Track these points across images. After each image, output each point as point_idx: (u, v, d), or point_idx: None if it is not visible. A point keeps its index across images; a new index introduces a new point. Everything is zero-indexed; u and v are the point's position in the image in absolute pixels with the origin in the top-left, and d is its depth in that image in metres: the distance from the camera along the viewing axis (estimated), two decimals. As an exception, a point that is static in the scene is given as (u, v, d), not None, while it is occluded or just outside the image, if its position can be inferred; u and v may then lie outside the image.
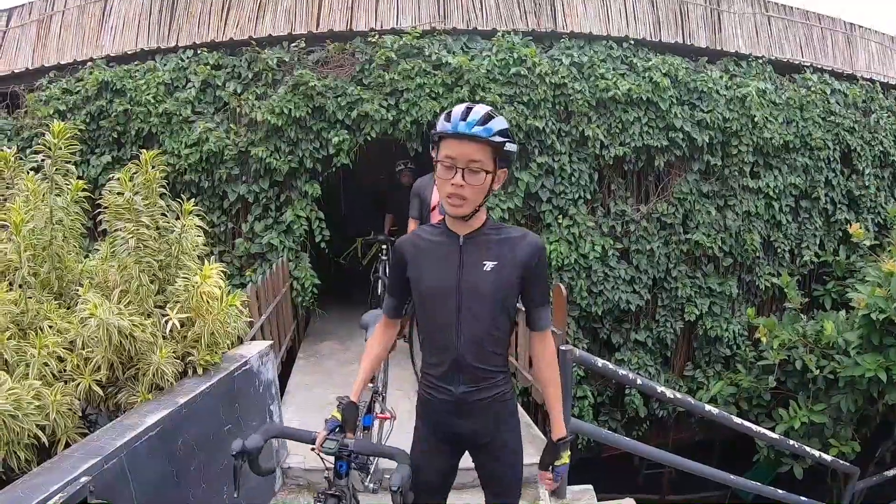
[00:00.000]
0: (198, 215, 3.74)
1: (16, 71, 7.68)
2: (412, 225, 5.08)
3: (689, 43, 8.60)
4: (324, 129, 6.66)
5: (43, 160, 3.76)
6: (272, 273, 5.76)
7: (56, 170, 3.71)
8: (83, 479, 2.23)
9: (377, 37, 6.92)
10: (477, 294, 1.96)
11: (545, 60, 7.26)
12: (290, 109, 6.50)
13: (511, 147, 1.90)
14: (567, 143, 7.26)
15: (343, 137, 6.62)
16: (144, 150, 3.64)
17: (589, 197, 7.41)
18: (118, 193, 3.56)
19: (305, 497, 3.95)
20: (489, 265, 1.95)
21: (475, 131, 1.81)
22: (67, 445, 2.79)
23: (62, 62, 7.51)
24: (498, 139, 1.84)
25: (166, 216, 3.65)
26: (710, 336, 7.90)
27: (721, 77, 7.89)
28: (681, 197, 7.71)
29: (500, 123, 1.85)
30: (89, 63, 7.12)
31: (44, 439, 2.73)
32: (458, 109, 1.86)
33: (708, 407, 4.64)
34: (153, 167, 3.68)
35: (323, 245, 6.93)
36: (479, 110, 1.85)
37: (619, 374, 4.08)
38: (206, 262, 3.66)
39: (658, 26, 8.82)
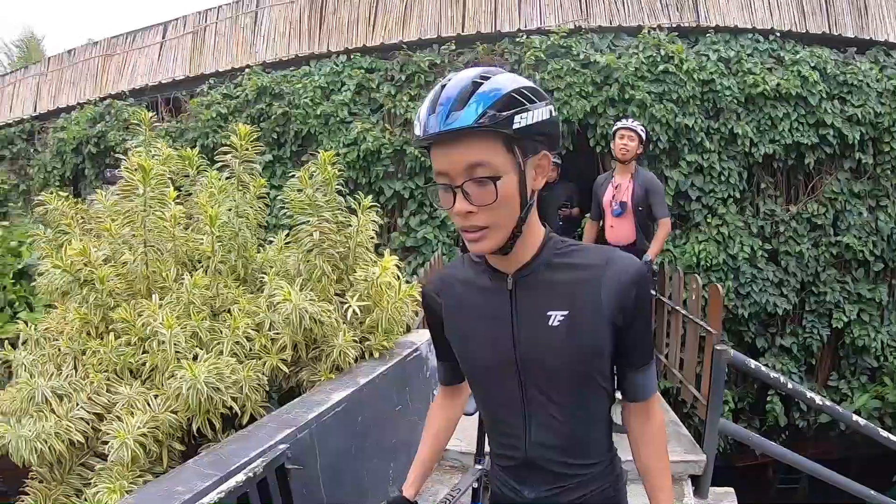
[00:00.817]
0: (378, 212, 3.99)
1: (176, 78, 8.22)
2: (588, 229, 5.07)
3: (835, 33, 8.18)
4: None
5: (229, 160, 4.05)
6: (431, 266, 5.94)
7: (242, 168, 4.01)
8: (281, 447, 2.43)
9: (525, 37, 7.00)
10: (544, 367, 1.27)
11: (692, 56, 7.12)
12: None
13: (525, 119, 1.13)
14: (716, 140, 7.08)
15: None
16: (322, 152, 3.89)
17: (738, 196, 7.20)
18: (298, 190, 3.87)
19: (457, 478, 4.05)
20: (557, 317, 1.24)
21: (453, 123, 1.11)
22: (252, 418, 3.03)
23: (219, 69, 7.99)
24: (494, 117, 1.11)
25: (343, 211, 3.90)
26: (858, 345, 7.45)
27: (871, 69, 7.47)
28: (831, 197, 7.36)
29: (494, 90, 1.13)
30: (246, 69, 7.55)
31: (236, 409, 2.98)
32: (427, 99, 1.17)
33: (855, 417, 4.40)
34: (331, 165, 3.96)
35: None
36: (454, 86, 1.14)
37: (770, 376, 3.97)
38: (384, 254, 3.85)
39: (803, 16, 8.42)
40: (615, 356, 1.29)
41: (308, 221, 3.72)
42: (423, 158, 6.79)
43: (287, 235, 4.11)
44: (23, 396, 3.09)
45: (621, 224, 4.65)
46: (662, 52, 6.98)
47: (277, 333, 3.36)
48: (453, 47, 7.15)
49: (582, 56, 6.91)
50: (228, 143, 3.98)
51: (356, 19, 8.02)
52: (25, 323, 3.83)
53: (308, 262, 3.69)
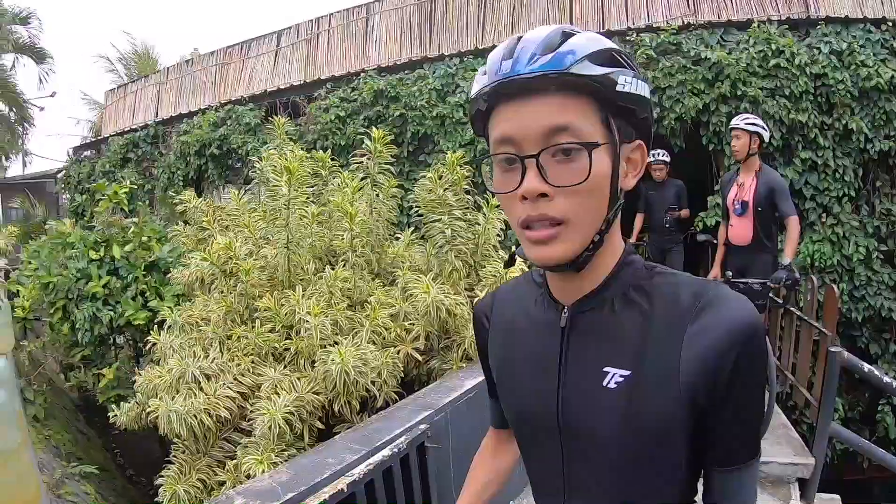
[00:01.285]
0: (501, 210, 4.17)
1: (293, 84, 8.72)
2: (720, 232, 4.93)
3: (953, 20, 7.83)
4: None
5: (365, 162, 4.36)
6: None
7: (377, 170, 4.35)
8: (422, 426, 2.63)
9: (634, 35, 7.07)
10: (593, 440, 0.92)
11: (803, 49, 7.00)
12: None
13: (630, 85, 0.86)
14: (830, 136, 6.95)
15: None
16: (450, 154, 4.22)
17: (853, 194, 7.01)
18: (429, 190, 4.18)
19: None
20: (616, 376, 0.89)
21: (538, 65, 0.82)
22: (385, 402, 3.28)
23: (334, 74, 8.43)
24: (595, 71, 0.83)
25: (471, 209, 4.21)
26: (978, 356, 7.16)
27: None
28: (951, 194, 7.08)
29: (592, 41, 0.85)
30: (362, 74, 7.93)
31: (374, 393, 3.23)
32: (501, 46, 0.88)
33: None
34: (459, 167, 4.21)
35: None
36: (536, 34, 0.85)
37: (882, 381, 3.85)
38: (512, 249, 4.04)
39: (915, 3, 8.12)
40: (694, 446, 0.88)
41: (440, 220, 4.01)
42: None
43: (413, 232, 4.44)
44: (173, 376, 3.39)
45: (741, 224, 4.58)
46: (773, 47, 6.89)
47: (412, 324, 3.62)
48: None
49: (692, 53, 6.91)
50: (364, 145, 4.31)
51: (465, 23, 8.29)
52: (168, 311, 4.26)
53: (439, 257, 3.99)
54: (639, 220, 6.67)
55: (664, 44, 6.98)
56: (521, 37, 0.86)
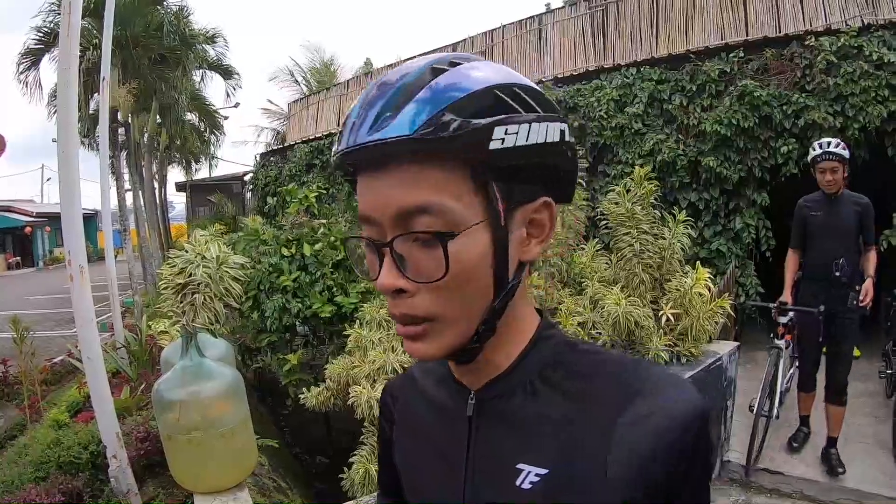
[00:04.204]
0: (690, 225, 4.39)
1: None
2: (790, 259, 4.55)
3: None
4: (771, 138, 6.86)
5: None
6: (726, 279, 6.07)
7: None
8: None
9: (813, 39, 6.92)
10: None
11: None
12: (738, 120, 6.87)
13: (512, 136, 0.65)
14: None
15: (791, 147, 6.72)
16: (638, 168, 4.36)
17: None
18: (616, 203, 4.37)
19: (736, 490, 4.27)
20: (531, 476, 0.71)
21: (380, 132, 0.64)
22: None
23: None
24: (452, 128, 0.63)
25: (657, 223, 4.35)
26: None
27: None
28: None
29: (457, 84, 0.65)
30: (539, 83, 8.46)
31: None
32: (359, 97, 0.71)
33: None
34: (648, 180, 4.38)
35: (768, 254, 6.97)
36: (397, 76, 0.68)
37: None
38: (697, 266, 4.25)
39: None
40: None
41: (629, 233, 4.18)
42: (718, 169, 7.02)
43: (596, 243, 4.70)
44: (374, 367, 3.64)
45: None
46: (964, 45, 6.59)
47: (598, 333, 3.84)
48: (741, 54, 7.27)
49: (875, 56, 6.59)
50: None
51: (638, 31, 8.50)
52: (352, 306, 4.66)
53: (626, 269, 4.17)
54: (792, 262, 4.58)
55: (845, 47, 6.73)
56: (382, 81, 0.67)
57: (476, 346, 0.72)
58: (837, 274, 4.19)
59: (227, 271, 3.02)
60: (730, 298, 4.70)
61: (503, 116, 0.64)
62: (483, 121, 0.63)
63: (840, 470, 4.24)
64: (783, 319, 4.42)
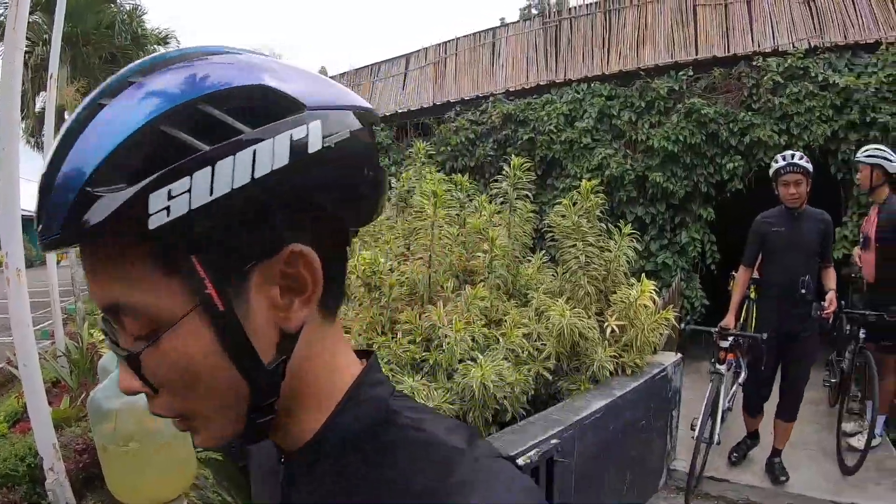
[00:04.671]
0: (635, 238, 4.44)
1: (424, 106, 9.35)
2: (742, 277, 4.40)
3: None
4: (717, 154, 7.00)
5: (502, 187, 4.69)
6: (671, 291, 6.16)
7: (515, 195, 4.60)
8: (553, 441, 2.84)
9: (761, 60, 7.06)
10: None
11: (938, 70, 6.82)
12: (685, 136, 6.99)
13: (191, 195, 0.45)
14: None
15: (737, 163, 6.90)
16: (585, 181, 4.40)
17: None
18: (563, 216, 4.40)
19: (682, 499, 4.28)
20: None
21: (42, 236, 0.47)
22: (513, 417, 3.43)
23: (463, 97, 8.98)
24: (78, 220, 0.45)
25: (603, 236, 4.37)
26: None
27: None
28: None
29: (113, 129, 0.45)
30: (490, 97, 8.42)
31: (507, 407, 3.37)
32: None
33: None
34: (594, 194, 4.42)
35: (713, 268, 7.18)
36: (58, 139, 0.48)
37: None
38: (641, 277, 4.24)
39: None
40: None
41: (574, 245, 4.19)
42: (664, 184, 7.13)
43: (543, 255, 4.61)
44: None
45: (867, 258, 4.45)
46: (903, 69, 6.74)
47: (543, 344, 3.78)
48: (690, 73, 7.39)
49: (820, 77, 6.80)
50: (503, 171, 4.59)
51: (591, 47, 8.53)
52: None
53: (572, 281, 4.17)
54: (743, 280, 4.38)
55: (791, 68, 6.91)
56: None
57: (260, 426, 0.57)
58: (803, 291, 3.98)
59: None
60: (675, 310, 4.68)
61: (160, 173, 0.44)
62: (125, 193, 0.44)
63: (783, 478, 4.24)
64: (724, 344, 4.26)
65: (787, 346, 4.14)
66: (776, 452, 4.36)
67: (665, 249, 7.24)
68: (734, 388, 4.67)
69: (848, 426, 4.74)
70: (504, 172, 4.55)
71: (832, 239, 4.25)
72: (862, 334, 4.44)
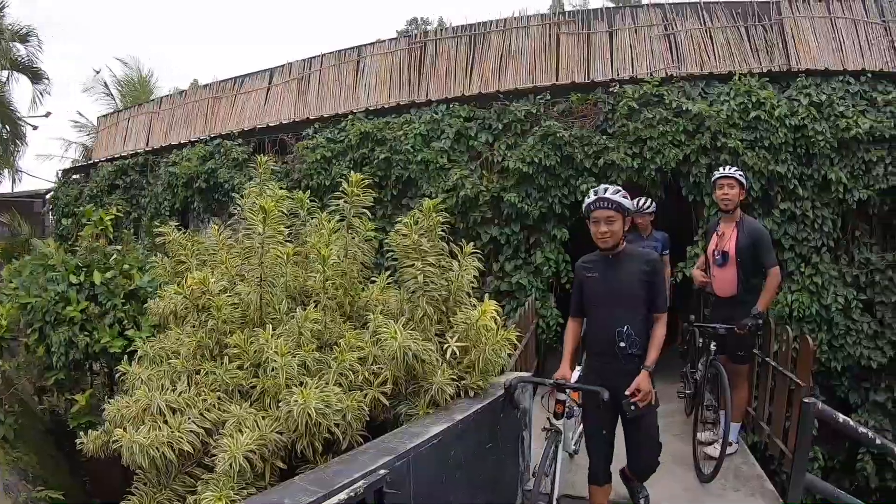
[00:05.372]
0: (479, 258, 4.18)
1: (283, 122, 8.82)
2: (570, 328, 4.15)
3: (930, 69, 7.97)
4: (572, 176, 7.04)
5: (341, 205, 4.39)
6: (524, 310, 6.11)
7: (353, 213, 4.35)
8: (382, 471, 2.60)
9: (618, 87, 7.22)
10: None
11: (783, 102, 7.14)
12: (540, 158, 6.98)
13: None
14: (809, 187, 7.05)
15: (591, 185, 6.76)
16: (427, 199, 4.15)
17: (832, 244, 7.10)
18: (403, 235, 4.10)
19: None
20: None
21: None
22: (350, 445, 3.24)
23: (323, 114, 8.54)
24: None
25: (445, 256, 4.09)
26: (960, 401, 7.14)
27: (969, 102, 7.18)
28: (931, 243, 7.16)
29: None
30: (350, 115, 8.05)
31: (338, 435, 3.20)
32: None
33: None
34: (435, 213, 4.19)
35: (568, 287, 6.97)
36: None
37: (858, 431, 3.97)
38: (484, 298, 4.03)
39: (894, 53, 8.28)
40: None
41: (413, 265, 3.96)
42: (519, 205, 7.10)
43: (388, 276, 4.40)
44: (140, 407, 3.39)
45: (723, 274, 4.54)
46: (754, 99, 7.03)
47: (380, 368, 3.58)
48: (548, 97, 7.45)
49: (674, 104, 7.04)
50: (341, 188, 4.34)
51: (453, 69, 8.43)
52: (141, 341, 4.19)
53: (411, 302, 3.94)
54: (572, 329, 4.04)
55: (647, 95, 7.10)
56: None
57: None
58: (623, 345, 3.48)
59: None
60: (531, 329, 4.67)
61: None
62: None
63: (643, 495, 3.94)
64: (562, 397, 3.68)
65: (622, 409, 3.49)
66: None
67: (520, 269, 7.23)
68: (579, 427, 4.30)
69: (703, 435, 4.79)
70: (342, 189, 4.29)
71: (663, 281, 3.65)
72: (713, 347, 4.50)
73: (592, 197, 3.44)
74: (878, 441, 4.13)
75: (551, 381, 3.62)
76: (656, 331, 3.51)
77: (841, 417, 3.97)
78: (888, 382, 7.20)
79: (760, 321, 4.39)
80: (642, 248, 4.91)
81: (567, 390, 3.63)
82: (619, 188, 3.45)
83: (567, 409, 3.68)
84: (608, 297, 3.52)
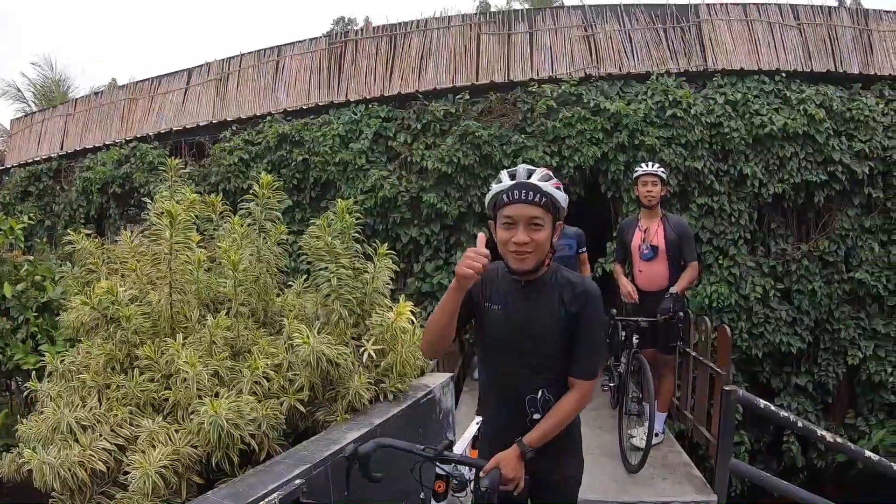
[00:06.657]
0: (392, 259, 4.07)
1: (200, 123, 8.52)
2: (617, 271, 4.89)
3: (840, 70, 8.26)
4: (490, 175, 6.94)
5: (252, 207, 4.24)
6: None
7: (265, 216, 4.20)
8: (297, 482, 2.55)
9: (537, 86, 7.24)
10: None
11: (699, 100, 7.30)
12: (459, 158, 6.94)
13: None
14: (725, 182, 7.22)
15: None
16: (341, 200, 4.06)
17: (749, 237, 7.29)
18: (317, 237, 4.02)
19: None
20: None
21: None
22: (269, 454, 3.16)
23: (242, 116, 8.28)
24: None
25: (360, 258, 4.05)
26: (874, 381, 7.42)
27: (877, 103, 7.55)
28: (842, 233, 7.41)
29: None
30: (268, 117, 7.82)
31: (254, 446, 3.10)
32: None
33: (868, 453, 4.30)
34: (349, 214, 4.09)
35: None
36: None
37: (779, 415, 4.03)
38: (400, 300, 3.98)
39: (808, 55, 8.54)
40: None
41: (326, 268, 3.88)
42: (439, 205, 7.06)
43: (305, 280, 4.29)
44: (49, 425, 3.23)
45: (652, 268, 4.65)
46: (671, 98, 7.16)
47: (295, 374, 3.49)
48: (467, 97, 7.41)
49: (592, 104, 7.12)
50: (252, 190, 4.19)
51: (374, 69, 8.30)
52: (52, 356, 3.99)
53: (326, 306, 3.86)
54: None
55: (565, 94, 7.16)
56: None
57: None
58: (536, 417, 2.28)
59: None
60: None
61: None
62: None
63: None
64: (440, 472, 2.57)
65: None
66: None
67: (441, 270, 7.20)
68: None
69: (629, 427, 4.87)
70: (253, 192, 4.12)
71: (601, 325, 2.36)
72: (636, 340, 4.58)
73: (507, 182, 2.13)
74: (799, 424, 4.16)
75: (423, 452, 2.37)
76: (564, 401, 2.21)
77: (762, 403, 4.03)
78: (807, 366, 7.49)
79: (679, 305, 4.44)
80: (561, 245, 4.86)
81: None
82: (549, 173, 2.17)
83: (455, 484, 2.38)
84: (516, 343, 2.25)
